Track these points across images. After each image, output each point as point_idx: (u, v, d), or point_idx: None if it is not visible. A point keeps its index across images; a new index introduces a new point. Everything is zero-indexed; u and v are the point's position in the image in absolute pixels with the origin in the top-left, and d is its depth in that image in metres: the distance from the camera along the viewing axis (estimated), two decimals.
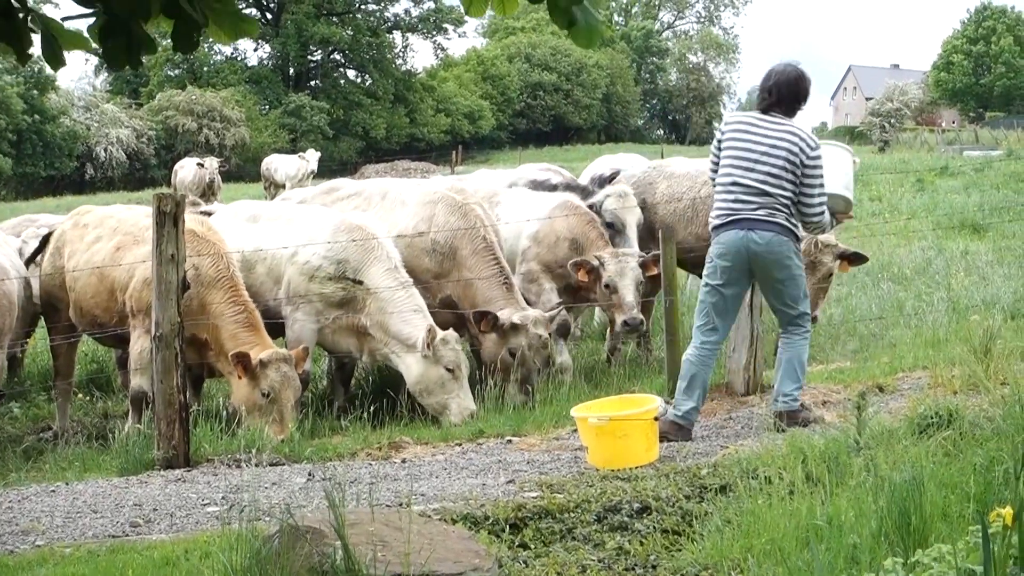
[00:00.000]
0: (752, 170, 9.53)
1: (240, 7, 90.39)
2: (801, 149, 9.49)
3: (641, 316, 12.92)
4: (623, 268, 12.87)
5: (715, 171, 9.90)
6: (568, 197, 14.09)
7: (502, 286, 12.54)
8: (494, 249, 12.75)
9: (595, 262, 12.87)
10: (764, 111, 9.77)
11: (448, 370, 11.53)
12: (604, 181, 15.40)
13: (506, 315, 12.11)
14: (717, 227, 9.71)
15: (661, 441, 9.20)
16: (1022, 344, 10.91)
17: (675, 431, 9.60)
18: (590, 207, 14.08)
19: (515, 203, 14.11)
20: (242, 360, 10.83)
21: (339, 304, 12.07)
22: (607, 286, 12.89)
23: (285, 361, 10.97)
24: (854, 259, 12.84)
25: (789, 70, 9.85)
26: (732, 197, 9.61)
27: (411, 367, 11.70)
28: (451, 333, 11.71)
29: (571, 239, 13.49)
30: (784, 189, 9.49)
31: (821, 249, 12.42)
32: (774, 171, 9.47)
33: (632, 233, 13.95)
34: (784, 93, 9.75)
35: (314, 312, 12.09)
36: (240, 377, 10.94)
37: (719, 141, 9.88)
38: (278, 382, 10.86)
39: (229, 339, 11.19)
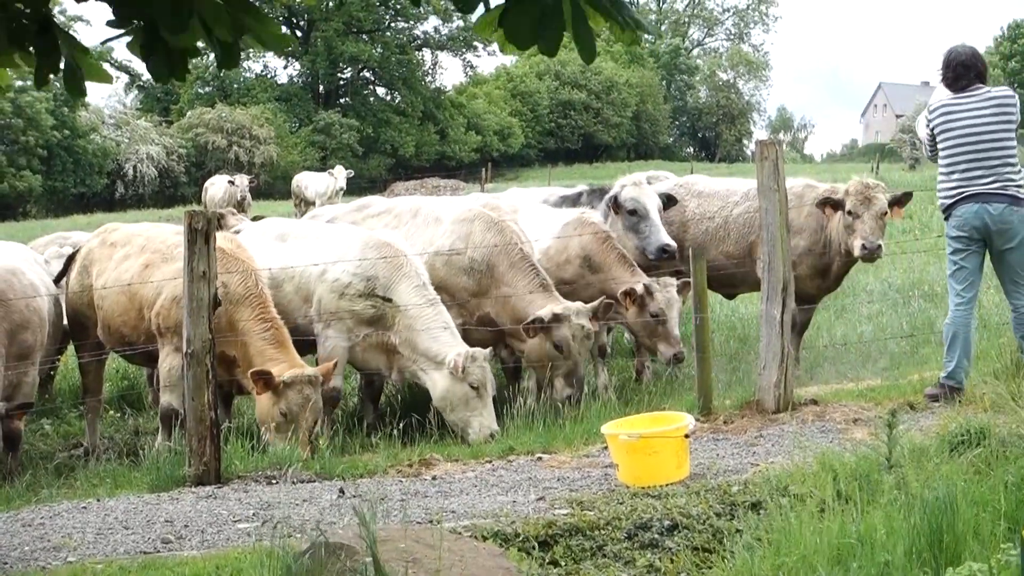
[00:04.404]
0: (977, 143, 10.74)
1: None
2: (1012, 104, 10.78)
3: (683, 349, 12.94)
4: (670, 299, 12.88)
5: (932, 150, 11.15)
6: (583, 213, 14.03)
7: (540, 288, 12.54)
8: (530, 259, 12.77)
9: (641, 290, 12.83)
10: (961, 89, 10.91)
11: (473, 388, 11.53)
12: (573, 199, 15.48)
13: (547, 310, 12.12)
14: (956, 203, 10.80)
15: (933, 401, 10.74)
16: None
17: (942, 393, 10.71)
18: (614, 199, 14.10)
19: (532, 219, 14.06)
20: (262, 377, 10.83)
21: (369, 322, 12.07)
22: (655, 315, 12.84)
23: (310, 383, 10.92)
24: (903, 200, 13.43)
25: (966, 47, 11.11)
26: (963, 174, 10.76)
27: (437, 383, 11.71)
28: (479, 351, 11.67)
29: (584, 256, 13.46)
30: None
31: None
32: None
33: (655, 216, 13.91)
34: (975, 65, 10.97)
35: (345, 330, 12.09)
36: (259, 393, 10.96)
37: (931, 127, 11.03)
38: (297, 404, 10.81)
39: (256, 356, 11.20)
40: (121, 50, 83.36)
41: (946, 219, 10.92)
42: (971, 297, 10.83)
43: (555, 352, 12.14)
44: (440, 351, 11.69)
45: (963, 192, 10.63)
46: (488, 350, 11.84)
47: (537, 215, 14.22)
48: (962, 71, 10.87)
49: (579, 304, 12.36)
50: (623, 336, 16.61)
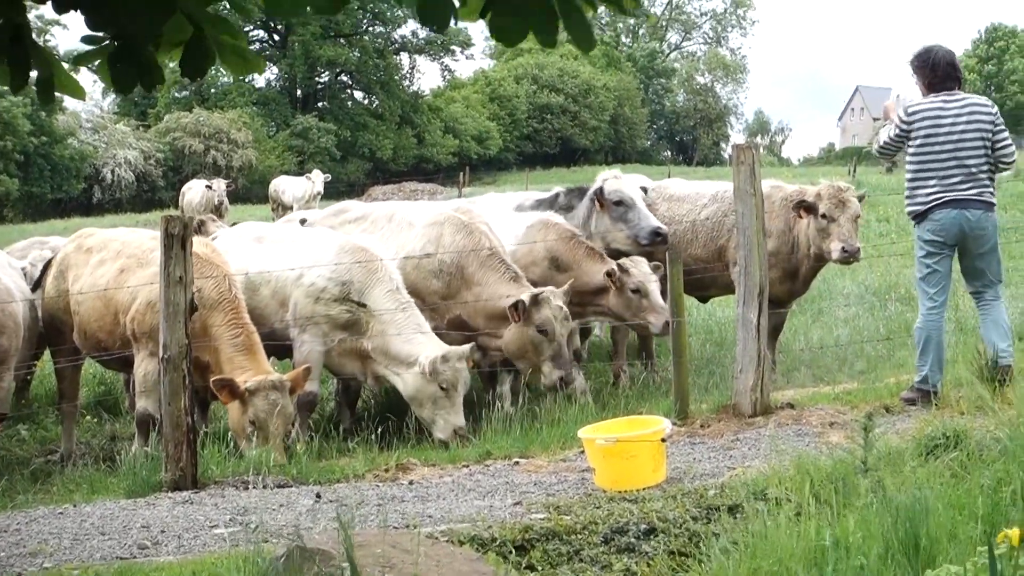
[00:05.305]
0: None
1: (249, 39, 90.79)
2: (987, 113, 10.85)
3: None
4: (646, 273, 13.02)
5: (891, 149, 11.42)
6: (545, 215, 14.17)
7: (510, 281, 12.58)
8: (500, 255, 12.83)
9: (617, 270, 12.92)
10: (946, 90, 10.91)
11: (442, 388, 11.55)
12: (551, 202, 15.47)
13: (526, 294, 12.17)
14: (934, 207, 10.78)
15: (910, 405, 10.78)
16: None
17: (918, 397, 10.77)
18: (599, 192, 14.15)
19: (497, 225, 14.00)
20: (225, 385, 10.80)
21: (344, 326, 12.07)
22: (636, 290, 12.94)
23: (275, 388, 10.83)
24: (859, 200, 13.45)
25: (944, 49, 11.11)
26: (942, 180, 10.80)
27: (407, 380, 11.75)
28: (453, 350, 11.68)
29: (551, 257, 13.55)
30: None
31: None
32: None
33: (641, 204, 14.06)
34: (953, 68, 11.01)
35: (320, 334, 12.09)
36: (225, 402, 10.92)
37: (906, 129, 10.94)
38: (264, 411, 10.73)
39: (226, 362, 11.15)
40: None
41: (918, 223, 10.91)
42: (943, 301, 10.89)
43: (539, 336, 12.15)
44: (412, 352, 11.69)
45: (942, 197, 10.63)
46: (469, 346, 11.89)
47: (500, 221, 14.19)
48: (951, 70, 10.88)
49: (551, 288, 12.44)
50: (599, 335, 16.66)
